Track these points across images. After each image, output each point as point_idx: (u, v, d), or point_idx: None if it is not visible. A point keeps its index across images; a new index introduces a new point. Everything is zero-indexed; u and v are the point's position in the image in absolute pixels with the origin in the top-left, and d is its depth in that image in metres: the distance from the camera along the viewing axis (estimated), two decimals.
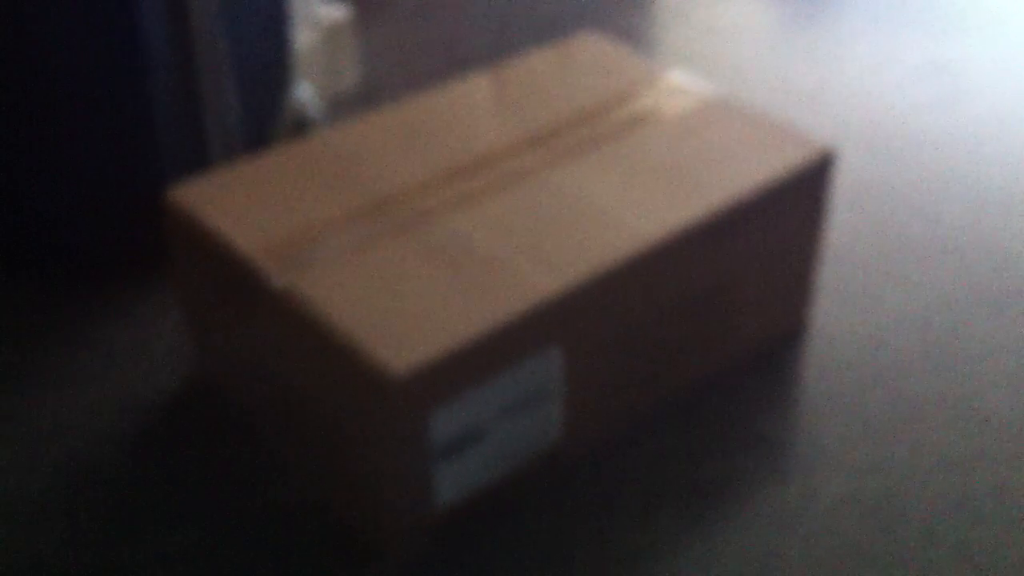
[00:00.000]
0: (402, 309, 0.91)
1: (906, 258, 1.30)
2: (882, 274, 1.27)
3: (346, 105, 1.57)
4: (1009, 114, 1.56)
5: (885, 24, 1.79)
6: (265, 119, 1.31)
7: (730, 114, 1.13)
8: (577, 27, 1.76)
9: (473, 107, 1.14)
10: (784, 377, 1.14)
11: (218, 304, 1.03)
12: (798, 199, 1.08)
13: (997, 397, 1.11)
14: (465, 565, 0.95)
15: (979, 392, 1.12)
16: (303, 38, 1.48)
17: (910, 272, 1.28)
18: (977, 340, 1.18)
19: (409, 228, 0.98)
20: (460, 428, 0.91)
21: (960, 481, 1.02)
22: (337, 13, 1.56)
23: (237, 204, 1.01)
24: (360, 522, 0.97)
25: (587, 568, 0.95)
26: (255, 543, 0.97)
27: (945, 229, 1.34)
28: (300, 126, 1.34)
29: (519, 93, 1.16)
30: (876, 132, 1.52)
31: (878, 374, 1.14)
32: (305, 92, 1.35)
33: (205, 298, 1.05)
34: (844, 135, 1.51)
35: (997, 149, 1.48)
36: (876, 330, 1.19)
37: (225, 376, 1.09)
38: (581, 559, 0.95)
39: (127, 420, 1.09)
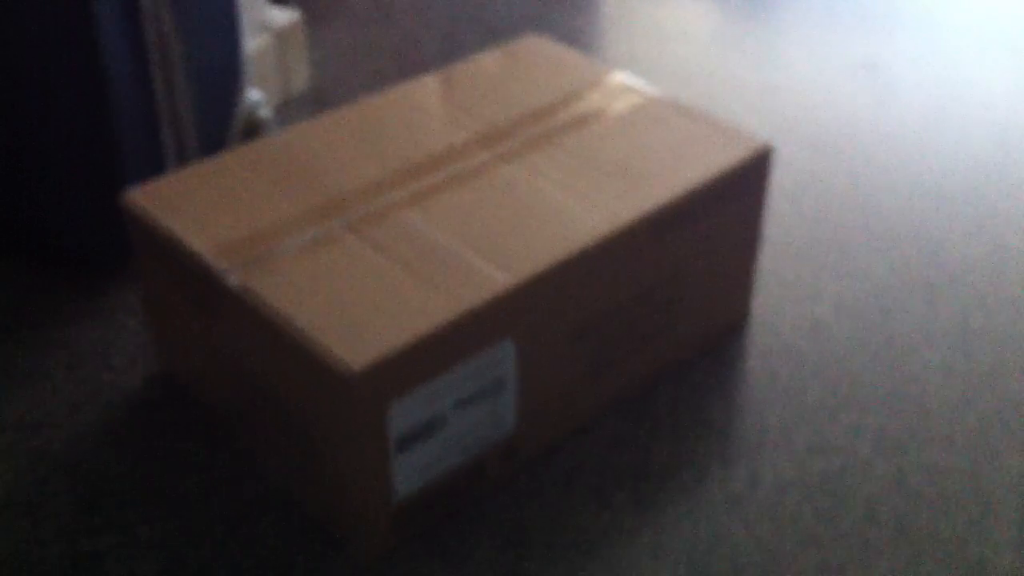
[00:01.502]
0: (358, 305, 0.93)
1: (842, 249, 1.34)
2: (819, 265, 1.32)
3: (297, 108, 1.58)
4: (937, 109, 1.62)
5: (820, 24, 1.84)
6: (219, 124, 1.32)
7: (673, 113, 1.17)
8: (524, 30, 1.79)
9: (424, 107, 1.17)
10: (729, 365, 1.18)
11: (179, 303, 1.04)
12: (739, 193, 1.12)
13: (930, 381, 1.16)
14: (427, 552, 0.97)
15: (913, 377, 1.16)
16: (253, 42, 1.49)
17: (846, 262, 1.32)
18: (910, 327, 1.23)
19: (363, 226, 1.01)
20: (418, 420, 0.94)
21: (897, 462, 1.07)
22: (286, 17, 1.57)
23: (193, 205, 1.03)
24: (324, 513, 0.99)
25: (544, 553, 0.98)
26: (222, 535, 0.98)
27: (879, 221, 1.39)
28: (253, 130, 1.35)
29: (469, 93, 1.19)
30: (813, 128, 1.57)
31: (817, 361, 1.18)
32: (257, 96, 1.36)
33: (167, 298, 1.07)
34: (782, 131, 1.56)
35: (927, 142, 1.54)
36: (815, 319, 1.24)
37: (189, 373, 1.11)
38: (538, 544, 0.98)
39: (94, 417, 1.10)
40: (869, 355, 1.19)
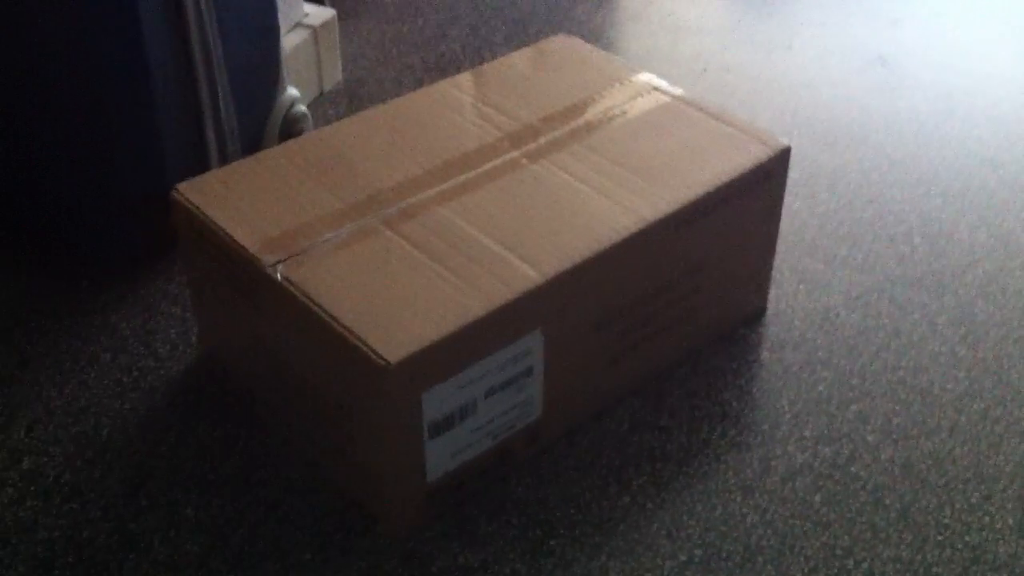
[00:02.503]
0: (394, 299, 0.97)
1: (853, 241, 1.39)
2: (831, 257, 1.36)
3: (330, 103, 1.62)
4: (945, 103, 1.65)
5: (834, 18, 1.88)
6: (259, 120, 1.37)
7: (696, 112, 1.21)
8: (545, 25, 1.82)
9: (457, 106, 1.21)
10: (744, 355, 1.22)
11: (222, 293, 1.09)
12: (757, 192, 1.17)
13: (936, 371, 1.20)
14: (455, 532, 1.02)
15: (920, 367, 1.21)
16: (289, 39, 1.53)
17: (857, 255, 1.37)
18: (918, 318, 1.27)
19: (399, 221, 1.05)
20: (450, 408, 0.98)
21: (903, 450, 1.11)
22: (322, 14, 1.61)
23: (237, 200, 1.07)
24: (359, 494, 1.04)
25: (566, 533, 1.02)
26: (262, 515, 1.03)
27: (889, 214, 1.43)
28: (290, 126, 1.40)
29: (499, 92, 1.23)
30: (825, 122, 1.61)
31: (828, 351, 1.23)
32: (294, 93, 1.40)
33: (210, 287, 1.12)
34: (796, 125, 1.60)
35: (936, 136, 1.58)
36: (826, 310, 1.28)
37: (230, 359, 1.16)
38: (561, 524, 1.03)
39: (139, 402, 1.15)
40: (878, 346, 1.24)
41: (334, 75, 1.65)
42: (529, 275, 1.00)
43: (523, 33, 1.79)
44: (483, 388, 1.00)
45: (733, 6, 1.93)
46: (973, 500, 1.06)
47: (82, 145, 1.22)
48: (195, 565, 0.99)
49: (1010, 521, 1.04)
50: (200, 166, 1.25)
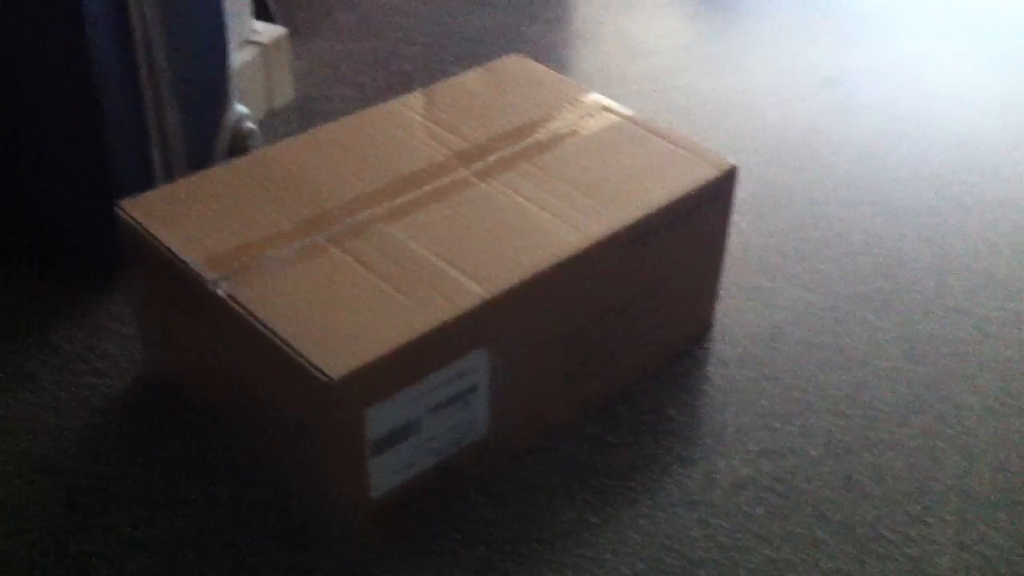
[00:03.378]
0: (339, 315, 0.97)
1: (799, 260, 1.40)
2: (777, 275, 1.38)
3: (281, 121, 1.62)
4: (893, 123, 1.68)
5: (786, 40, 1.90)
6: (207, 137, 1.36)
7: (645, 132, 1.22)
8: (499, 44, 1.83)
9: (407, 125, 1.22)
10: (690, 371, 1.23)
11: (168, 310, 1.09)
12: (705, 210, 1.18)
13: (879, 387, 1.22)
14: (401, 549, 1.02)
15: (863, 383, 1.23)
16: (239, 56, 1.53)
17: (802, 273, 1.38)
18: (861, 336, 1.29)
19: (346, 239, 1.05)
20: (394, 424, 0.98)
21: (846, 464, 1.13)
22: (272, 32, 1.61)
23: (182, 217, 1.07)
24: (305, 512, 1.04)
25: (510, 549, 1.03)
26: (207, 536, 1.03)
27: (835, 233, 1.45)
28: (238, 143, 1.39)
29: (450, 111, 1.24)
30: (775, 142, 1.63)
31: (772, 367, 1.24)
32: (242, 110, 1.40)
33: (157, 304, 1.11)
34: (745, 144, 1.61)
35: (883, 156, 1.60)
36: (771, 327, 1.30)
37: (177, 376, 1.15)
38: (505, 542, 1.03)
39: (80, 420, 1.14)
40: (821, 362, 1.25)
41: (285, 93, 1.65)
42: (474, 292, 1.00)
43: (475, 53, 1.80)
44: (427, 405, 1.00)
45: (686, 26, 1.95)
46: (914, 513, 1.08)
47: (24, 161, 1.21)
48: None
49: (949, 533, 1.06)
50: (146, 182, 1.24)
